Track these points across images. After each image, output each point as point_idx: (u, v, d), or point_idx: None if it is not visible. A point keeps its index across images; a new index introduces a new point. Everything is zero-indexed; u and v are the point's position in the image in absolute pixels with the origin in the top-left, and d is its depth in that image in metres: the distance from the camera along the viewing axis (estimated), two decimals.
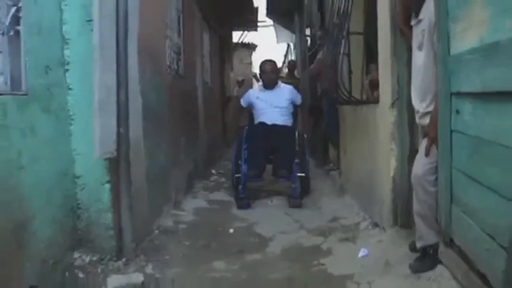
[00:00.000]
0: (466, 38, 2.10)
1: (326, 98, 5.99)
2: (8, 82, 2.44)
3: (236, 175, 5.25)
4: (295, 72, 10.04)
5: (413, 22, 2.83)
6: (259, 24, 13.28)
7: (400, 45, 3.19)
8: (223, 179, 6.57)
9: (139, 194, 3.41)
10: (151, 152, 3.88)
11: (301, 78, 9.29)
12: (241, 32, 14.11)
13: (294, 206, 4.91)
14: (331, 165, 6.40)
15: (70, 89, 2.97)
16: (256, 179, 5.22)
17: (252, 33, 14.52)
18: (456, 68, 2.24)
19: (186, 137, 5.55)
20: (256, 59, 16.49)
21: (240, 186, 5.02)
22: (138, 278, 2.77)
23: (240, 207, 4.92)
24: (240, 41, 14.62)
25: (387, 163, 3.40)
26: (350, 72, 4.69)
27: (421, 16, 2.71)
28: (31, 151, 2.52)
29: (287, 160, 5.14)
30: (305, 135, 5.67)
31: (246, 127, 5.56)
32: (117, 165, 3.05)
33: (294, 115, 5.77)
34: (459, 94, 2.23)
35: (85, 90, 2.95)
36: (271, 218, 4.51)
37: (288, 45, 16.84)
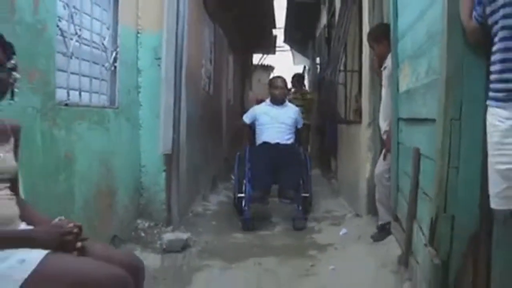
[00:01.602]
0: (403, 84, 3.34)
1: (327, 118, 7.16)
2: (109, 100, 3.75)
3: (239, 195, 5.09)
4: (304, 86, 9.60)
5: (382, 68, 4.07)
6: (277, 48, 14.62)
7: (376, 83, 4.43)
8: None
9: (182, 183, 4.67)
10: (189, 153, 5.13)
11: (313, 97, 9.03)
12: (260, 54, 15.46)
13: (299, 228, 4.80)
14: (332, 174, 7.63)
15: (141, 105, 4.28)
16: (261, 201, 5.04)
17: (270, 55, 15.86)
18: (400, 102, 3.48)
19: (212, 145, 6.83)
20: None
21: (245, 208, 4.86)
22: (184, 235, 4.02)
23: (245, 228, 4.77)
24: (259, 63, 15.99)
25: (365, 167, 4.62)
26: (345, 98, 5.96)
27: (385, 65, 3.96)
28: (119, 145, 3.81)
29: (294, 182, 5.02)
30: (307, 154, 5.66)
31: (247, 147, 5.47)
32: (170, 159, 4.33)
33: (296, 135, 5.64)
34: (401, 119, 3.47)
35: (150, 106, 4.26)
36: (279, 209, 5.46)
37: (305, 67, 18.22)
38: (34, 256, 1.53)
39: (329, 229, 4.75)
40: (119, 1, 3.83)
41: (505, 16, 1.65)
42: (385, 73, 3.96)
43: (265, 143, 5.34)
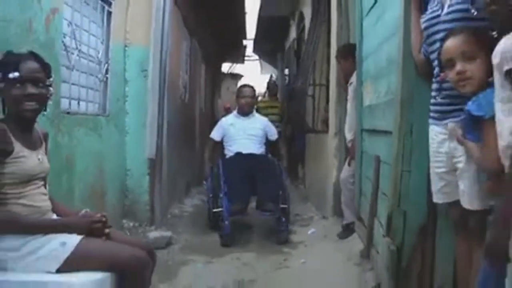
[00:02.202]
0: (366, 99, 3.81)
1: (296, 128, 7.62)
2: (100, 109, 4.09)
3: (215, 210, 4.77)
4: (278, 96, 9.64)
5: (348, 84, 4.53)
6: (246, 58, 15.08)
7: (342, 96, 4.89)
8: None
9: (164, 186, 5.02)
10: (169, 159, 5.49)
11: (283, 107, 9.02)
12: (229, 63, 15.88)
13: (282, 241, 4.61)
14: (299, 180, 8.09)
15: (127, 113, 4.62)
16: (240, 214, 4.82)
17: (239, 64, 16.32)
18: (363, 115, 3.94)
19: (187, 151, 7.19)
20: None
21: (225, 223, 4.53)
22: (167, 233, 4.38)
23: (225, 244, 4.50)
24: (228, 72, 16.42)
25: (331, 173, 5.08)
26: (313, 110, 6.44)
27: (351, 81, 4.42)
28: (109, 150, 4.15)
29: (273, 193, 4.76)
30: (281, 164, 5.35)
31: (220, 160, 5.25)
32: (154, 164, 4.70)
33: (267, 147, 5.50)
34: (364, 130, 3.93)
35: (136, 114, 4.62)
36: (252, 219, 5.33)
37: (271, 76, 18.73)
38: (72, 240, 1.89)
39: (299, 229, 5.17)
40: (111, 19, 4.18)
41: (438, 57, 2.11)
42: (350, 88, 4.42)
43: (238, 153, 5.12)
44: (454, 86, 1.92)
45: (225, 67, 16.21)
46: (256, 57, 15.03)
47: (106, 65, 4.11)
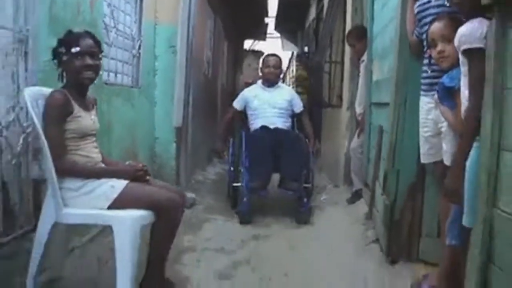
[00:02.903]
0: (375, 76, 4.18)
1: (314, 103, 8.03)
2: (133, 81, 4.53)
3: (235, 184, 4.73)
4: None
5: (360, 61, 4.89)
6: (267, 35, 15.38)
7: (354, 73, 5.25)
8: None
9: (188, 154, 5.47)
10: (193, 129, 5.94)
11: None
12: (251, 40, 16.21)
13: (301, 221, 4.39)
14: (315, 153, 8.48)
15: (156, 86, 5.06)
16: (261, 192, 4.55)
17: (260, 42, 16.63)
18: (372, 90, 4.31)
19: (210, 123, 7.63)
20: None
21: (244, 199, 4.41)
22: (192, 195, 4.84)
23: (243, 221, 4.35)
24: (250, 49, 16.77)
25: (343, 145, 5.48)
26: (329, 85, 6.81)
27: (362, 59, 4.78)
28: (140, 119, 4.61)
29: (298, 171, 4.56)
30: (309, 141, 5.03)
31: (243, 131, 4.99)
32: (180, 133, 5.14)
33: (292, 120, 5.18)
34: (372, 103, 4.30)
35: (164, 87, 5.05)
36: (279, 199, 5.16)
37: (293, 53, 19.01)
38: (120, 183, 2.35)
39: (312, 197, 5.60)
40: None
41: (426, 38, 2.48)
42: (362, 66, 4.79)
43: (263, 127, 4.82)
44: (436, 63, 2.31)
45: (247, 44, 16.55)
46: (278, 34, 15.31)
47: (138, 41, 4.53)
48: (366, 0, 4.71)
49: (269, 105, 4.95)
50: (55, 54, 2.42)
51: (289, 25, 12.11)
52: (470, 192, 1.77)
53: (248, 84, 14.73)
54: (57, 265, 2.75)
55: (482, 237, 1.62)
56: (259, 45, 17.49)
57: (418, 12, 2.59)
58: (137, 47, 4.51)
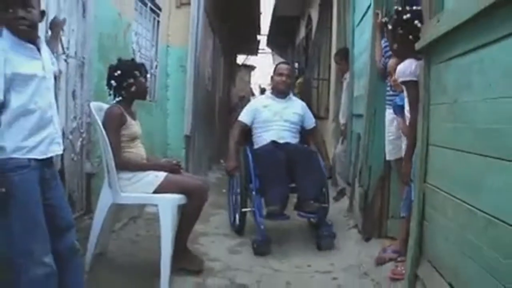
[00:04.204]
0: (355, 90, 5.01)
1: None
2: (152, 96, 5.34)
3: (244, 210, 4.16)
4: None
5: (343, 79, 5.74)
6: (259, 51, 16.31)
7: (338, 89, 6.10)
8: None
9: (196, 159, 6.27)
10: (197, 137, 6.75)
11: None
12: (244, 55, 17.12)
13: (326, 247, 3.90)
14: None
15: (168, 99, 5.88)
16: (279, 217, 3.93)
17: (252, 56, 17.55)
18: (353, 103, 5.14)
19: (210, 132, 8.44)
20: (254, 78, 19.72)
21: (261, 227, 3.89)
22: None
23: (260, 253, 3.77)
24: (242, 63, 17.68)
25: (330, 151, 6.30)
26: (317, 99, 7.67)
27: (345, 77, 5.62)
28: (155, 127, 5.41)
29: (317, 190, 4.05)
30: (322, 159, 4.39)
31: (248, 148, 4.40)
32: (188, 140, 5.95)
33: (301, 137, 4.59)
34: (353, 115, 5.13)
35: (175, 100, 5.87)
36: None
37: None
38: (161, 174, 3.13)
39: None
40: (159, 26, 5.42)
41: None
42: (344, 83, 5.64)
43: (273, 142, 4.26)
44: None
45: (240, 59, 17.46)
46: (269, 50, 16.24)
47: (155, 62, 5.35)
48: (348, 27, 5.58)
49: (280, 118, 4.41)
50: (112, 77, 3.19)
51: (280, 41, 13.04)
52: (415, 176, 2.60)
53: (241, 98, 15.70)
54: (105, 242, 3.52)
55: (418, 203, 2.44)
56: (251, 60, 18.42)
57: (384, 47, 3.43)
58: (154, 67, 5.32)
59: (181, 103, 5.88)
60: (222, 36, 9.99)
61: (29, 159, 2.11)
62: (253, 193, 4.08)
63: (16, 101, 2.05)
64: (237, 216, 4.33)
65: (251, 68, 18.74)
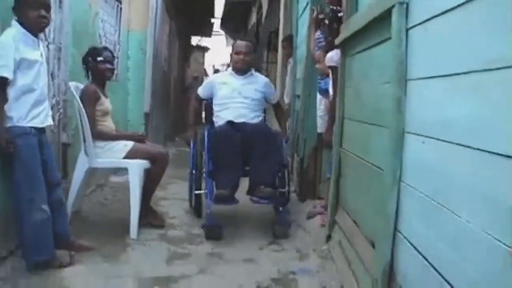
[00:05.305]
0: (297, 74, 5.70)
1: None
2: (114, 77, 5.87)
3: (197, 192, 4.07)
4: None
5: (287, 63, 6.42)
6: (213, 33, 16.81)
7: (284, 72, 6.78)
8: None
9: (153, 135, 6.84)
10: (155, 115, 7.31)
11: None
12: (198, 37, 17.58)
13: (281, 235, 3.72)
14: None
15: (129, 79, 6.41)
16: (228, 202, 3.74)
17: (206, 38, 18.03)
18: (296, 85, 5.83)
19: (165, 110, 9.00)
20: (208, 59, 20.27)
21: (207, 211, 3.82)
22: None
23: (210, 237, 3.65)
24: (196, 45, 18.14)
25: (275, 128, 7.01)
26: None
27: (289, 61, 6.30)
28: (118, 105, 5.94)
29: (272, 175, 3.84)
30: (285, 138, 4.29)
31: (207, 127, 4.25)
32: (147, 117, 6.51)
33: (265, 113, 4.44)
34: (295, 95, 5.83)
35: (135, 81, 6.41)
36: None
37: None
38: (129, 143, 3.72)
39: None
40: (121, 12, 5.94)
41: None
42: (289, 67, 6.33)
43: (229, 122, 4.02)
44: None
45: (194, 40, 17.90)
46: (222, 32, 16.77)
47: (118, 46, 5.87)
48: (294, 17, 6.25)
49: (239, 94, 4.17)
50: (84, 61, 3.76)
51: (233, 24, 13.61)
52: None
53: (195, 78, 16.22)
54: (79, 203, 4.09)
55: (335, 164, 3.17)
56: (205, 41, 18.89)
57: (317, 39, 4.11)
58: (117, 50, 5.85)
59: (140, 83, 6.42)
60: (177, 20, 10.49)
61: (30, 127, 2.70)
62: (204, 175, 3.99)
63: (21, 80, 2.64)
64: (193, 196, 4.21)
65: (205, 49, 19.20)
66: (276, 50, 7.57)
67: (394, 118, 1.95)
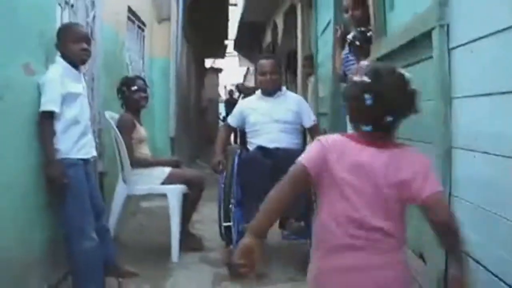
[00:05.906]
0: (320, 92, 5.78)
1: None
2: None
3: (225, 224, 3.65)
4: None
5: (308, 81, 6.50)
6: (226, 54, 17.05)
7: (305, 90, 6.86)
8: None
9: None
10: (180, 138, 7.41)
11: None
12: (211, 59, 17.83)
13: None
14: None
15: (154, 106, 6.53)
16: None
17: (219, 59, 18.29)
18: (319, 103, 5.91)
19: (187, 133, 9.12)
20: (222, 80, 20.49)
21: (231, 247, 3.54)
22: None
23: (235, 275, 3.28)
24: (210, 67, 18.38)
25: None
26: None
27: (310, 79, 6.38)
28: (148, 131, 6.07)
29: (303, 207, 3.40)
30: None
31: (237, 153, 3.88)
32: (173, 141, 6.63)
33: (304, 136, 4.07)
34: (319, 113, 5.90)
35: (160, 107, 6.54)
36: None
37: (248, 68, 20.79)
38: (167, 169, 3.83)
39: None
40: (144, 41, 6.09)
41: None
42: (310, 85, 6.42)
43: (260, 148, 3.75)
44: None
45: (207, 62, 18.14)
46: (235, 53, 16.98)
47: (143, 73, 6.02)
48: (313, 36, 6.36)
49: (270, 119, 3.83)
50: (119, 91, 3.88)
51: (247, 45, 13.77)
52: None
53: (210, 100, 16.38)
54: (118, 229, 4.18)
55: None
56: (217, 62, 19.12)
57: (345, 57, 4.17)
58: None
59: (165, 108, 6.56)
60: (193, 43, 10.68)
61: (78, 159, 2.79)
62: (231, 205, 3.62)
63: (67, 113, 2.74)
64: (222, 228, 3.70)
65: (218, 70, 19.41)
66: (295, 70, 7.65)
67: (440, 134, 2.01)
